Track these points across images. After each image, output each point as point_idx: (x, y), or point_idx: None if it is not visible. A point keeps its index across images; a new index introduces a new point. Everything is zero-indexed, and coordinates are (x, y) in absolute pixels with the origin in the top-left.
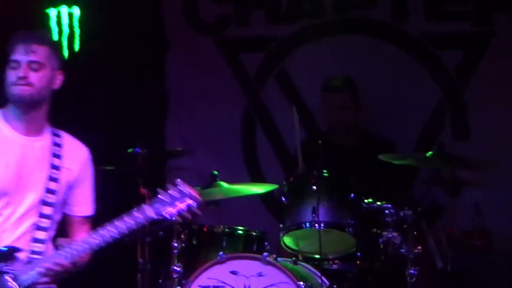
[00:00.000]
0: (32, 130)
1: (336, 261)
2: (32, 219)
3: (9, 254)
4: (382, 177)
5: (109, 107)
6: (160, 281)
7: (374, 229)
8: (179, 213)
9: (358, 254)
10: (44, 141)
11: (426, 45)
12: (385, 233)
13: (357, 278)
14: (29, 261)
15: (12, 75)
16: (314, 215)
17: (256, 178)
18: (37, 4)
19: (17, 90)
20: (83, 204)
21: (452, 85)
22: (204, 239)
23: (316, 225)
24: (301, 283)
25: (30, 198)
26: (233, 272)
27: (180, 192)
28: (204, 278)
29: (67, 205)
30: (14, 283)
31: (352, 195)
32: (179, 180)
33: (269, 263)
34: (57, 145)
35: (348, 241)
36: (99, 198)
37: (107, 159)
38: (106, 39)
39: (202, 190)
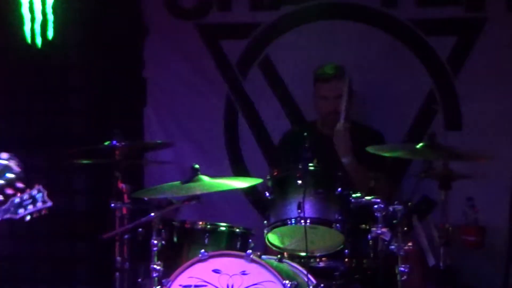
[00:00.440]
0: None
1: (323, 258)
2: None
3: None
4: (371, 169)
5: (84, 97)
6: (139, 280)
7: (363, 225)
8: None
9: (346, 251)
10: None
11: (416, 31)
12: (374, 229)
13: (345, 276)
14: None
15: None
16: (299, 210)
17: (239, 172)
18: None
19: None
20: None
21: (444, 73)
22: (185, 236)
23: (302, 221)
24: (287, 282)
25: None
26: (216, 271)
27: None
28: (185, 277)
29: None
30: None
31: (339, 189)
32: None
33: (253, 261)
34: None
35: (335, 238)
36: (75, 193)
37: (83, 152)
38: (82, 26)
39: (183, 184)
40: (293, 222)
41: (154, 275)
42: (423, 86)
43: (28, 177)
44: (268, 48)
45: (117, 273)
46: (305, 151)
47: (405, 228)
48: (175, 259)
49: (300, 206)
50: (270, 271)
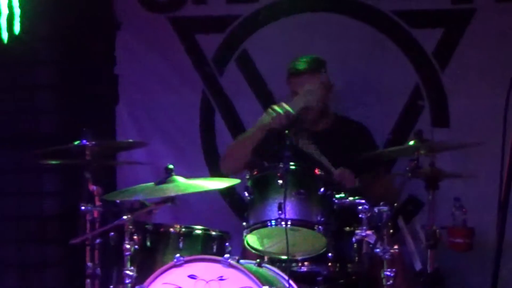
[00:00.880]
0: None
1: (305, 262)
2: None
3: None
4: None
5: (53, 94)
6: (111, 286)
7: (347, 227)
8: None
9: (329, 255)
10: None
11: (401, 24)
12: (358, 231)
13: (328, 281)
14: None
15: None
16: (280, 212)
17: (216, 172)
18: None
19: None
20: None
21: (430, 67)
22: (159, 240)
23: (283, 223)
24: (266, 287)
25: None
26: (192, 276)
27: None
28: (159, 283)
29: None
30: None
31: (322, 189)
32: None
33: (230, 265)
34: None
35: (318, 241)
36: (43, 196)
37: (51, 152)
38: (50, 20)
39: (157, 186)
40: (273, 223)
41: (127, 281)
42: (408, 81)
43: None
44: (246, 42)
45: (88, 280)
46: (286, 149)
47: (391, 231)
48: (148, 265)
49: (280, 207)
50: (249, 276)
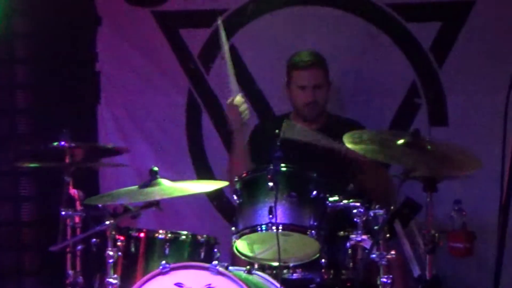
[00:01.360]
0: None
1: (297, 269)
2: None
3: None
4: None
5: (30, 93)
6: None
7: (341, 232)
8: None
9: (323, 261)
10: None
11: (396, 17)
12: (353, 236)
13: None
14: None
15: None
16: (271, 216)
17: (204, 175)
18: None
19: None
20: None
21: (427, 63)
22: (143, 246)
23: (274, 227)
24: None
25: None
26: (178, 285)
27: None
28: None
29: None
30: None
31: (314, 192)
32: None
33: (219, 273)
34: None
35: (310, 246)
36: (21, 200)
37: (29, 154)
38: (28, 16)
39: (140, 189)
40: (263, 228)
41: None
42: (404, 77)
43: None
44: (234, 37)
45: None
46: (276, 149)
47: (387, 235)
48: (133, 272)
49: (271, 211)
50: (238, 284)
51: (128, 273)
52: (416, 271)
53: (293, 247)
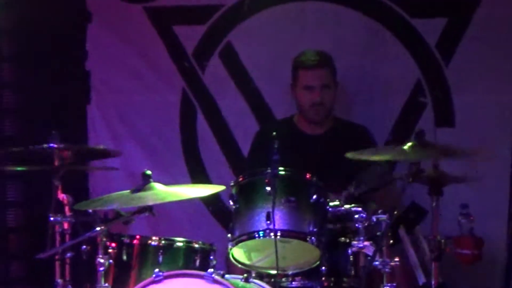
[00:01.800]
0: None
1: (296, 277)
2: None
3: None
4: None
5: (18, 93)
6: None
7: (342, 238)
8: None
9: (323, 268)
10: None
11: (401, 13)
12: (355, 242)
13: None
14: None
15: None
16: (269, 222)
17: (199, 179)
18: None
19: None
20: None
21: (433, 61)
22: (136, 253)
23: (272, 234)
24: None
25: None
26: None
27: None
28: None
29: None
30: None
31: (314, 196)
32: None
33: (215, 281)
34: None
35: (310, 253)
36: (8, 205)
37: (16, 157)
38: (15, 12)
39: (133, 194)
40: (261, 235)
41: None
42: (409, 76)
43: None
44: (230, 34)
45: None
46: (274, 152)
47: (391, 241)
48: (125, 281)
49: (269, 217)
50: None
51: (120, 282)
52: (422, 279)
53: (292, 254)
